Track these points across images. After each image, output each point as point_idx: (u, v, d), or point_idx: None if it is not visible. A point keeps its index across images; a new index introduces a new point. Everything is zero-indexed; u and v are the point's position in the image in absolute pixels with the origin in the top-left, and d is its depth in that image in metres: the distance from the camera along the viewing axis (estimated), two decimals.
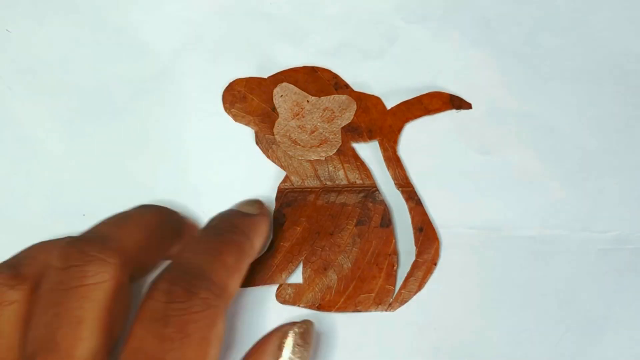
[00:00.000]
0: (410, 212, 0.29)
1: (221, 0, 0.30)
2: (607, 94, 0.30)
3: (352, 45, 0.30)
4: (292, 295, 0.29)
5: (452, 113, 0.29)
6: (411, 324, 0.28)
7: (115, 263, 0.22)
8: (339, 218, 0.29)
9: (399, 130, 0.30)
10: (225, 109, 0.29)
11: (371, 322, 0.28)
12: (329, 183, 0.29)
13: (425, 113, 0.29)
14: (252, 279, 0.28)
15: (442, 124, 0.30)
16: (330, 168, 0.29)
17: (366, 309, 0.28)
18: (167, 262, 0.24)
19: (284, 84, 0.29)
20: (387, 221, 0.29)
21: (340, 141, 0.29)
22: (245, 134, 0.30)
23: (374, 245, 0.29)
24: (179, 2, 0.30)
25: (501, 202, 0.29)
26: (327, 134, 0.29)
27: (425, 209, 0.29)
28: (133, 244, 0.24)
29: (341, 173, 0.29)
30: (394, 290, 0.29)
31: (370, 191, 0.29)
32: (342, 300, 0.29)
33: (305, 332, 0.25)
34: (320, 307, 0.29)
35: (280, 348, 0.25)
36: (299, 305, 0.29)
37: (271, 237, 0.29)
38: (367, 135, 0.30)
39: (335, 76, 0.30)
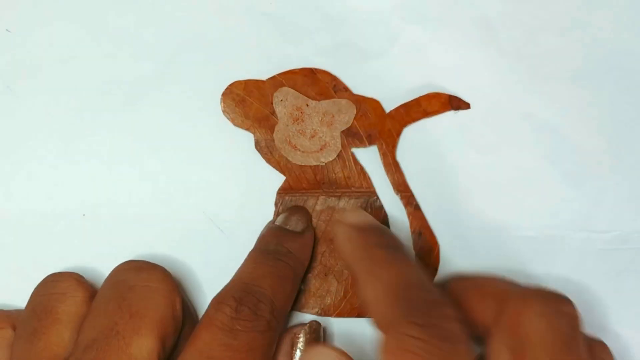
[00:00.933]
0: (409, 217, 0.29)
1: (221, 0, 0.30)
2: (607, 94, 0.30)
3: (352, 46, 0.30)
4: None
5: (451, 114, 0.29)
6: None
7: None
8: None
9: (398, 134, 0.29)
10: (224, 112, 0.29)
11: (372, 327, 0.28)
12: (328, 188, 0.29)
13: (424, 116, 0.29)
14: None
15: (441, 126, 0.29)
16: (330, 173, 0.29)
17: (367, 314, 0.28)
18: None
19: (284, 88, 0.29)
20: (386, 226, 0.29)
21: (340, 146, 0.29)
22: (245, 136, 0.30)
23: None
24: (179, 2, 0.30)
25: (501, 203, 0.29)
26: (327, 139, 0.29)
27: (424, 213, 0.29)
28: None
29: (341, 178, 0.29)
30: None
31: (370, 197, 0.29)
32: (342, 305, 0.29)
33: (316, 331, 0.27)
34: (321, 312, 0.29)
35: (293, 348, 0.26)
36: (300, 311, 0.29)
37: None
38: (366, 140, 0.29)
39: (335, 79, 0.30)
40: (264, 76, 0.30)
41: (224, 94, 0.29)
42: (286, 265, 0.26)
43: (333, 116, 0.29)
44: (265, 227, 0.29)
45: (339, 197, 0.29)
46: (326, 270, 0.29)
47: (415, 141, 0.29)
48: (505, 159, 0.29)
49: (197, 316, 0.28)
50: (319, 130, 0.29)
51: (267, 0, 0.30)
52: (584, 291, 0.29)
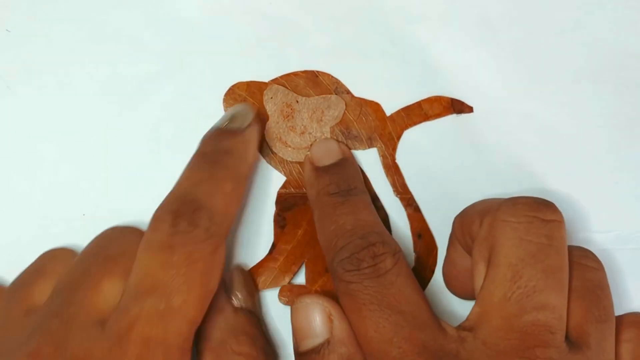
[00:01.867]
0: (408, 219, 0.29)
1: (221, 0, 0.30)
2: (607, 94, 0.30)
3: (352, 46, 0.30)
4: (294, 297, 0.29)
5: (452, 117, 0.29)
6: None
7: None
8: None
9: (398, 137, 0.29)
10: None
11: None
12: None
13: (425, 119, 0.29)
14: (255, 282, 0.29)
15: (441, 127, 0.29)
16: None
17: None
18: None
19: (274, 85, 0.29)
20: (386, 228, 0.29)
21: None
22: None
23: None
24: (179, 2, 0.30)
25: None
26: (316, 135, 0.29)
27: (424, 215, 0.29)
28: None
29: None
30: None
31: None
32: None
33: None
34: None
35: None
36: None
37: (273, 241, 0.29)
38: (366, 142, 0.29)
39: (337, 81, 0.30)
40: (263, 76, 0.30)
41: (226, 95, 0.30)
42: (223, 165, 0.25)
43: (323, 112, 0.29)
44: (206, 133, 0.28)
45: None
46: (327, 267, 0.29)
47: (415, 143, 0.29)
48: (506, 159, 0.29)
49: None
50: (309, 126, 0.29)
51: (267, 0, 0.30)
52: None
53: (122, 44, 0.30)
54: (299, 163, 0.29)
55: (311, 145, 0.29)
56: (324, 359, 0.24)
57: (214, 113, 0.29)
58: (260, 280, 0.29)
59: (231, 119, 0.27)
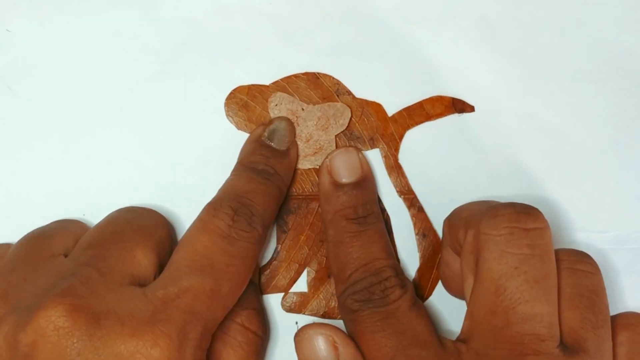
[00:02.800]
0: (412, 219, 0.29)
1: (221, 0, 0.30)
2: (607, 93, 0.30)
3: (352, 46, 0.30)
4: (297, 303, 0.29)
5: (454, 117, 0.29)
6: None
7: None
8: None
9: (401, 137, 0.29)
10: (228, 116, 0.29)
11: None
12: None
13: (427, 119, 0.29)
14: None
15: (442, 128, 0.29)
16: None
17: None
18: None
19: (279, 93, 0.29)
20: (387, 229, 0.29)
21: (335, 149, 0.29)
22: (246, 137, 0.29)
23: None
24: (179, 2, 0.30)
25: None
26: (322, 142, 0.29)
27: (428, 215, 0.29)
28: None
29: None
30: None
31: None
32: None
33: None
34: (324, 315, 0.29)
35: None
36: (303, 313, 0.29)
37: (275, 246, 0.29)
38: (368, 143, 0.29)
39: (338, 82, 0.30)
40: (263, 76, 0.30)
41: (227, 98, 0.29)
42: (274, 185, 0.27)
43: (328, 119, 0.29)
44: (249, 141, 0.29)
45: None
46: (329, 273, 0.29)
47: (417, 143, 0.30)
48: (506, 159, 0.29)
49: None
50: (315, 134, 0.29)
51: (267, 0, 0.30)
52: None
53: (122, 44, 0.30)
54: (305, 170, 0.29)
55: (331, 153, 0.28)
56: None
57: (214, 113, 0.29)
58: (263, 286, 0.29)
59: (271, 133, 0.28)
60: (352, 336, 0.25)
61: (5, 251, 0.27)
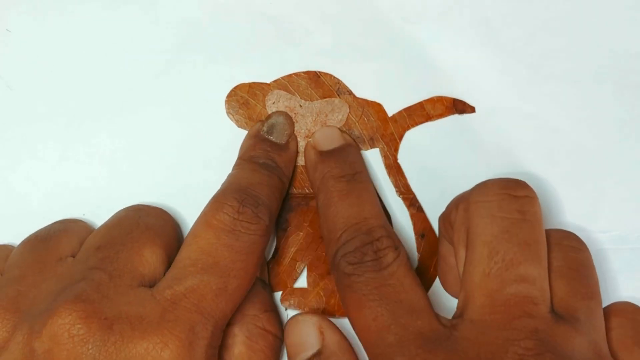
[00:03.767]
0: (411, 219, 0.29)
1: (221, 0, 0.30)
2: (607, 94, 0.30)
3: (352, 46, 0.30)
4: (297, 299, 0.29)
5: (454, 117, 0.29)
6: None
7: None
8: None
9: (400, 137, 0.29)
10: (228, 114, 0.29)
11: None
12: None
13: (427, 119, 0.29)
14: None
15: (442, 127, 0.29)
16: None
17: None
18: None
19: (276, 90, 0.29)
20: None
21: None
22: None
23: None
24: (179, 2, 0.30)
25: None
26: None
27: (427, 215, 0.29)
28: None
29: None
30: None
31: None
32: None
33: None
34: (325, 312, 0.29)
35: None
36: (303, 309, 0.29)
37: (275, 244, 0.29)
38: (368, 143, 0.29)
39: (339, 82, 0.30)
40: (264, 76, 0.30)
41: (228, 96, 0.29)
42: (277, 177, 0.27)
43: (326, 115, 0.29)
44: (248, 136, 0.29)
45: None
46: (329, 270, 0.29)
47: (417, 143, 0.30)
48: (506, 158, 0.29)
49: None
50: (313, 130, 0.29)
51: (267, 0, 0.30)
52: None
53: (122, 44, 0.30)
54: (303, 166, 0.29)
55: (313, 133, 0.29)
56: None
57: (214, 112, 0.30)
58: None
59: (270, 127, 0.29)
60: (347, 306, 0.24)
61: (6, 253, 0.27)
